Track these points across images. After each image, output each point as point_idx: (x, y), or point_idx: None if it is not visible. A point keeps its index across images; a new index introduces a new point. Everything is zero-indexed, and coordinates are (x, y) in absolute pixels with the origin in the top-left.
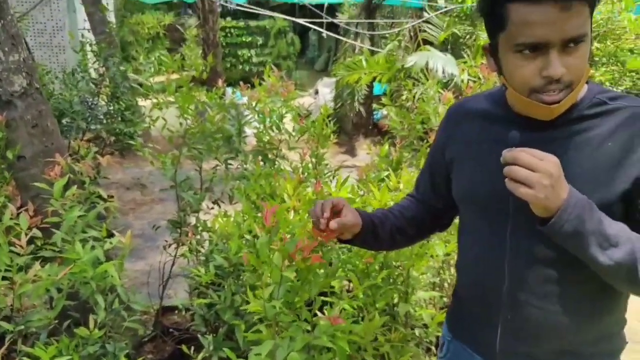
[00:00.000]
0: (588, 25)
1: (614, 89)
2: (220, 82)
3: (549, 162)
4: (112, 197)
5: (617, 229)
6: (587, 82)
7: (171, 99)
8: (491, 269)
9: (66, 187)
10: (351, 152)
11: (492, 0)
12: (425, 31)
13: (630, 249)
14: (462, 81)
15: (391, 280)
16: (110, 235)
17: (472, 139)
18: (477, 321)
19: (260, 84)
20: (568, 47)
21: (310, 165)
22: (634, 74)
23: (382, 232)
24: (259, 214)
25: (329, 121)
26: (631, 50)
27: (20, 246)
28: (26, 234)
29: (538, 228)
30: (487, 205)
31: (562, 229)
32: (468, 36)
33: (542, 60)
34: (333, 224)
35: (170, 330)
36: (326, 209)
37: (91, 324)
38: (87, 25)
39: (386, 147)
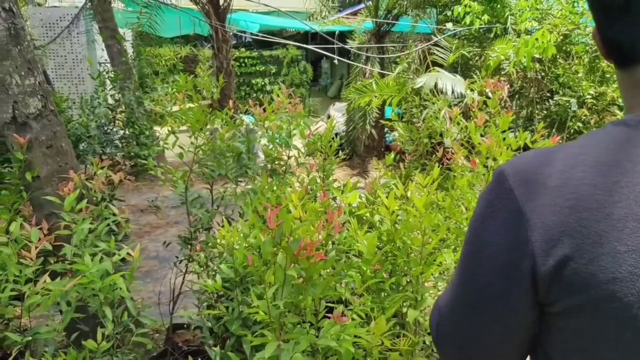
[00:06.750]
0: None
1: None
2: (231, 103)
3: None
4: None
5: None
6: None
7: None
8: None
9: (78, 202)
10: (363, 174)
11: None
12: (434, 54)
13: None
14: (472, 99)
15: (400, 287)
16: (120, 248)
17: None
18: None
19: (269, 104)
20: None
21: (317, 179)
22: None
23: None
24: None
25: (336, 135)
26: None
27: (30, 258)
28: (36, 247)
29: None
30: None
31: None
32: (477, 57)
33: None
34: None
35: (181, 346)
36: None
37: (99, 337)
38: (106, 56)
39: (392, 155)
